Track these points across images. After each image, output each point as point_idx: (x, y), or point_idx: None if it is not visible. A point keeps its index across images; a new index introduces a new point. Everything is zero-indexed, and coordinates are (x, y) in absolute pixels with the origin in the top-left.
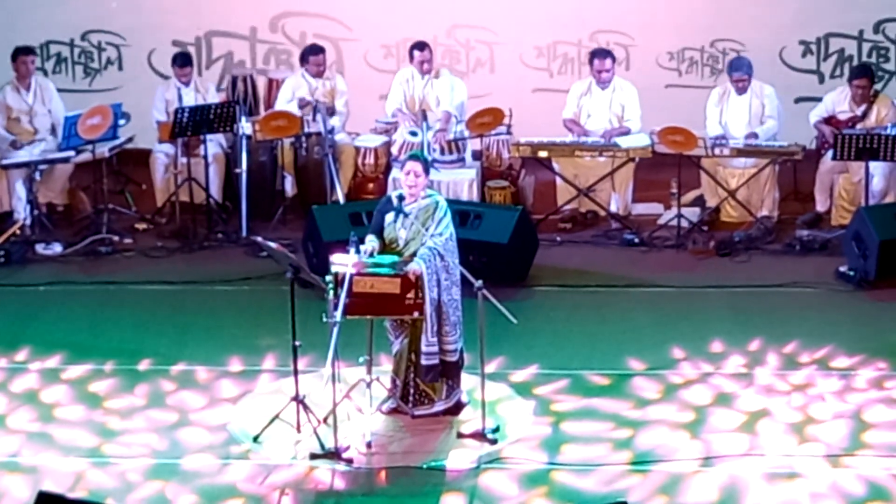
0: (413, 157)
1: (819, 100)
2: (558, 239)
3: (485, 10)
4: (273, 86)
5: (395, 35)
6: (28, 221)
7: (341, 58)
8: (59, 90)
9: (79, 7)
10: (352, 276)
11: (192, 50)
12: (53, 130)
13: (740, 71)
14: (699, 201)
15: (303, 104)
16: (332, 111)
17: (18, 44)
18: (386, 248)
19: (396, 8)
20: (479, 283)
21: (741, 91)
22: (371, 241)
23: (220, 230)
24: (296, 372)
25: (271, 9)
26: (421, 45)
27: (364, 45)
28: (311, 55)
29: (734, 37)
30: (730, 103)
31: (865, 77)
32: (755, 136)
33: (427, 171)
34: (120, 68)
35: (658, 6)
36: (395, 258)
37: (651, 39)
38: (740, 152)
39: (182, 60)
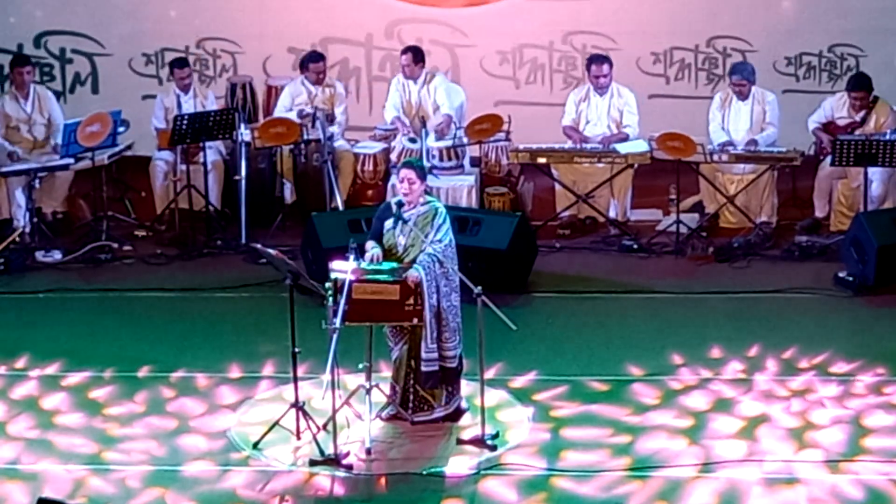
0: (407, 165)
1: None
2: (557, 245)
3: (601, 16)
4: (272, 93)
5: (510, 41)
6: (28, 229)
7: (457, 63)
8: None
9: (194, 15)
10: (351, 282)
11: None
12: (49, 138)
13: (739, 75)
14: (698, 207)
15: (302, 115)
16: (331, 118)
17: (140, 52)
18: (385, 254)
19: (512, 14)
20: (478, 289)
21: (741, 97)
22: (374, 248)
23: (219, 237)
24: (295, 378)
25: (387, 15)
26: (404, 50)
27: (479, 51)
28: (311, 62)
29: (853, 42)
30: (732, 109)
31: (863, 90)
32: (755, 143)
33: (422, 178)
34: (235, 75)
35: (776, 12)
36: (395, 265)
37: (769, 44)
38: (739, 158)
39: (179, 63)
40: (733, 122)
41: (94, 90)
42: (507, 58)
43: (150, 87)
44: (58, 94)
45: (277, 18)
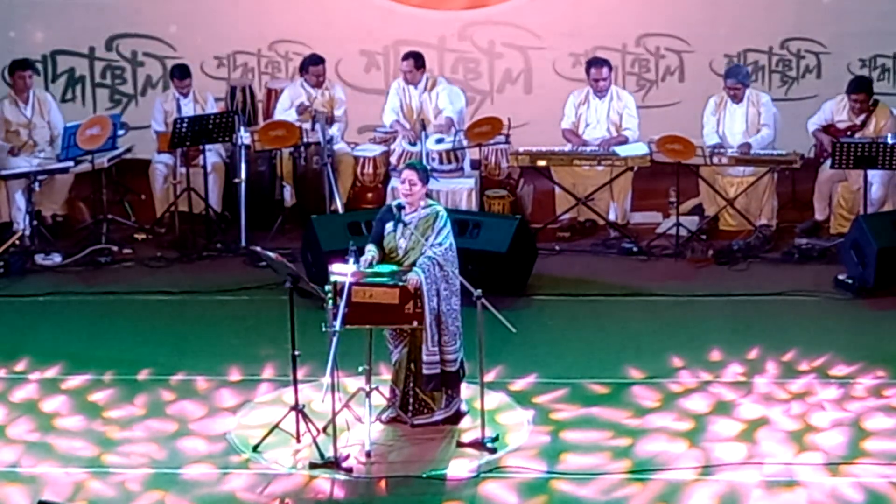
0: (410, 167)
1: None
2: (557, 248)
3: (675, 18)
4: (272, 95)
5: (583, 44)
6: (27, 232)
7: (529, 66)
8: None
9: (266, 17)
10: (351, 285)
11: (379, 59)
12: (52, 142)
13: (735, 78)
14: (698, 210)
15: (301, 110)
16: (330, 120)
17: (211, 55)
18: (385, 257)
19: (585, 16)
20: (478, 292)
21: (736, 100)
22: (370, 251)
23: (219, 240)
24: (295, 381)
25: (460, 18)
26: (405, 56)
27: (552, 53)
28: (312, 65)
29: None
30: (727, 112)
31: (863, 92)
32: (748, 145)
33: (424, 181)
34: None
35: (849, 14)
36: (395, 268)
37: (843, 47)
38: (738, 161)
39: (181, 73)
40: (728, 124)
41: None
42: (579, 60)
43: (222, 90)
44: (129, 97)
45: (350, 21)
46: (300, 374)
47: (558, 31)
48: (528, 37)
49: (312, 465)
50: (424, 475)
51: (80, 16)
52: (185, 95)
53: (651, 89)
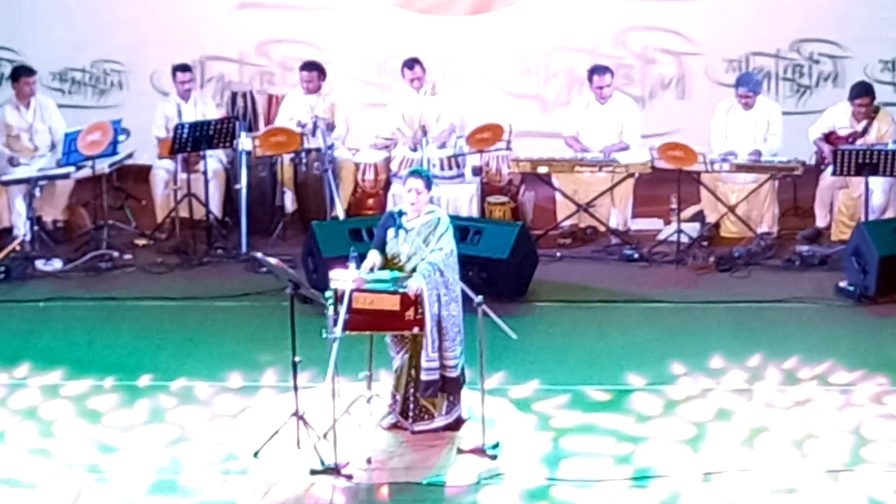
0: (414, 174)
1: None
2: (558, 254)
3: (830, 24)
4: (273, 101)
5: (737, 49)
6: (28, 237)
7: (684, 72)
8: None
9: (415, 25)
10: (351, 291)
11: (531, 65)
12: (53, 147)
13: (746, 86)
14: (699, 217)
15: (300, 126)
16: (331, 127)
17: (363, 60)
18: (388, 263)
19: (740, 22)
20: (478, 298)
21: (747, 107)
22: (373, 257)
23: (219, 246)
24: (296, 388)
25: (615, 23)
26: (410, 64)
27: (706, 59)
28: (303, 71)
29: None
30: (735, 118)
31: (867, 96)
32: (759, 153)
33: (429, 187)
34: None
35: None
36: (396, 273)
37: None
38: (740, 168)
39: (182, 67)
40: (737, 131)
41: None
42: (733, 66)
43: (373, 95)
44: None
45: (502, 29)
46: (301, 381)
47: (713, 36)
48: (682, 42)
49: (313, 472)
50: (425, 482)
51: (230, 21)
52: (186, 97)
53: (806, 95)
